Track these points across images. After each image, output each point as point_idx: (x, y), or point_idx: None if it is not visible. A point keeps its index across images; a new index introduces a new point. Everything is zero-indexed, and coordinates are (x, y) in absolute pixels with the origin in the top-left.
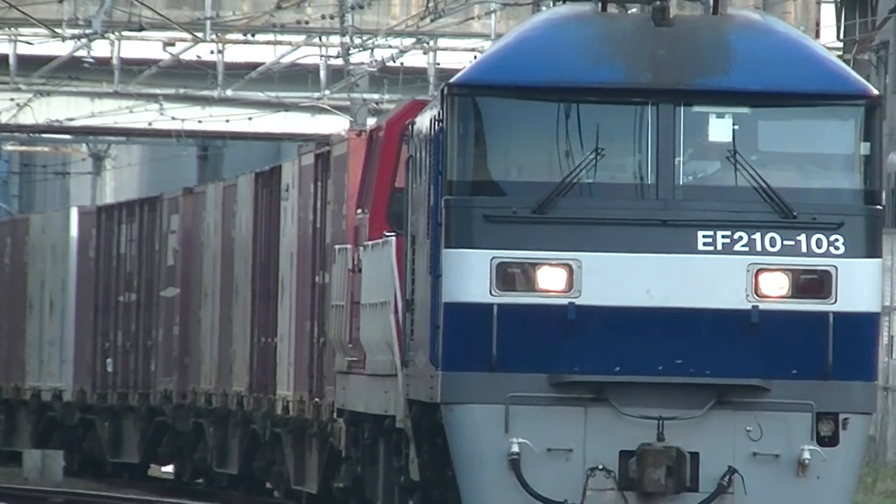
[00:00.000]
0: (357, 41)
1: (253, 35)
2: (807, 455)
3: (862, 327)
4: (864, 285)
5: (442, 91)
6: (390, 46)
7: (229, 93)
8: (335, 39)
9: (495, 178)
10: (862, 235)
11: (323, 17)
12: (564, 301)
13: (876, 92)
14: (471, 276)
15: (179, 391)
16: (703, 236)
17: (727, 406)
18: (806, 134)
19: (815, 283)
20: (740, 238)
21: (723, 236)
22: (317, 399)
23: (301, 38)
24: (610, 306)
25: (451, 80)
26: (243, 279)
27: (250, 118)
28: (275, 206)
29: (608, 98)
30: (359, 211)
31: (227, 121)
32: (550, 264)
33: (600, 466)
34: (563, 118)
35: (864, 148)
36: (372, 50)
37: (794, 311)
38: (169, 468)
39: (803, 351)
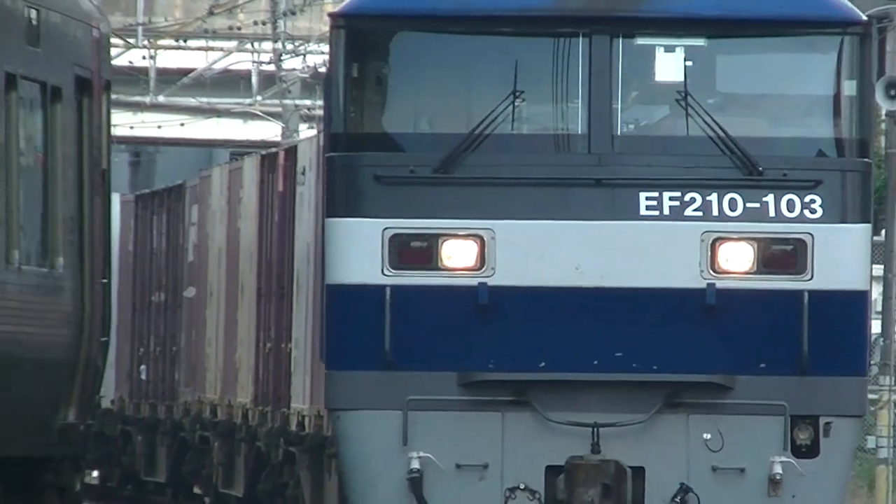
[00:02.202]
0: (289, 47)
1: (185, 41)
2: (778, 469)
3: (845, 309)
4: (847, 257)
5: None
6: (322, 52)
7: (161, 99)
8: (267, 45)
9: (389, 130)
10: (845, 196)
11: (255, 23)
12: (474, 281)
13: (864, 17)
14: (358, 251)
15: (194, 402)
16: (647, 199)
17: (679, 409)
18: (775, 71)
19: (786, 256)
20: (693, 200)
21: (671, 198)
22: None
23: (233, 44)
24: (531, 287)
25: (338, 8)
26: (249, 275)
27: (182, 124)
28: (289, 191)
29: (529, 28)
30: None
31: (160, 127)
32: (457, 236)
33: (522, 486)
34: (472, 54)
35: (849, 87)
36: (304, 56)
37: (761, 291)
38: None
39: (773, 340)
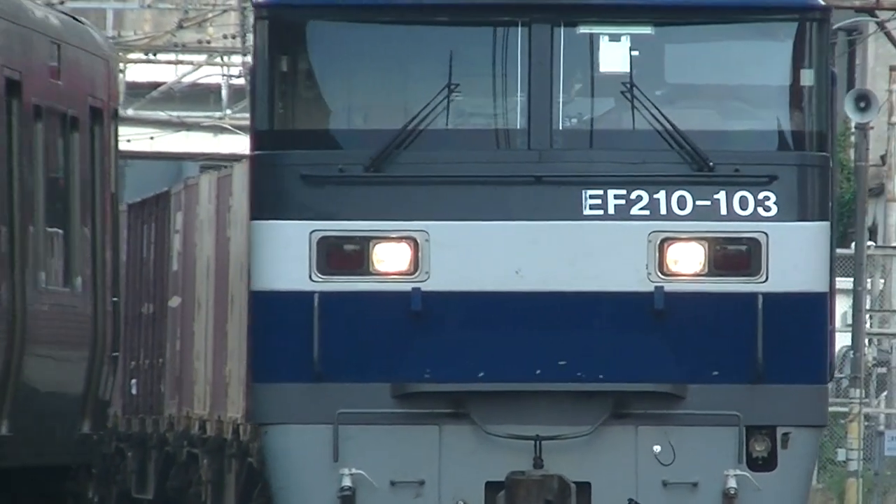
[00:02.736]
0: None
1: (154, 54)
2: (733, 483)
3: (803, 312)
4: (804, 257)
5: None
6: None
7: (130, 112)
8: (237, 59)
9: (316, 127)
10: (801, 192)
11: (225, 36)
12: (408, 286)
13: (822, 2)
14: (284, 255)
15: (178, 416)
16: (591, 197)
17: (627, 420)
18: (727, 60)
19: (739, 256)
20: (639, 198)
21: (616, 197)
22: None
23: (203, 57)
24: (468, 292)
25: None
26: (238, 286)
27: (152, 137)
28: None
29: (464, 17)
30: None
31: (129, 140)
32: (389, 238)
33: (460, 503)
34: (404, 45)
35: (807, 77)
36: None
37: (713, 294)
38: None
39: (726, 346)
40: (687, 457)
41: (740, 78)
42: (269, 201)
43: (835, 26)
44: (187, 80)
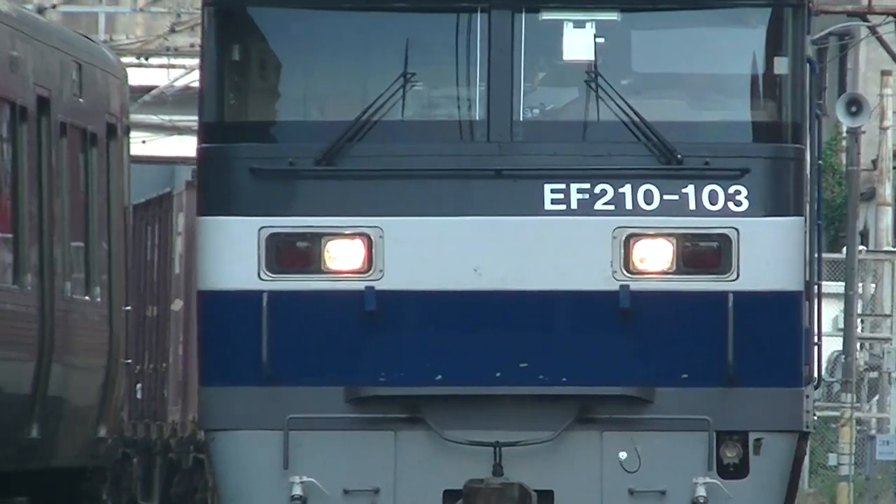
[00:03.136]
0: None
1: (146, 59)
2: (702, 491)
3: (776, 312)
4: (777, 254)
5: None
6: None
7: None
8: None
9: (266, 119)
10: (774, 186)
11: None
12: (361, 285)
13: None
14: (232, 253)
15: (182, 422)
16: (553, 191)
17: (592, 425)
18: (697, 48)
19: (708, 253)
20: (604, 193)
21: (580, 191)
22: None
23: (195, 61)
24: (424, 291)
25: None
26: None
27: (144, 141)
28: None
29: (422, 2)
30: None
31: None
32: (342, 235)
33: None
34: (358, 33)
35: (780, 65)
36: None
37: (681, 293)
38: None
39: (695, 347)
40: (654, 464)
41: (711, 66)
42: (216, 196)
43: (826, 31)
44: (180, 83)
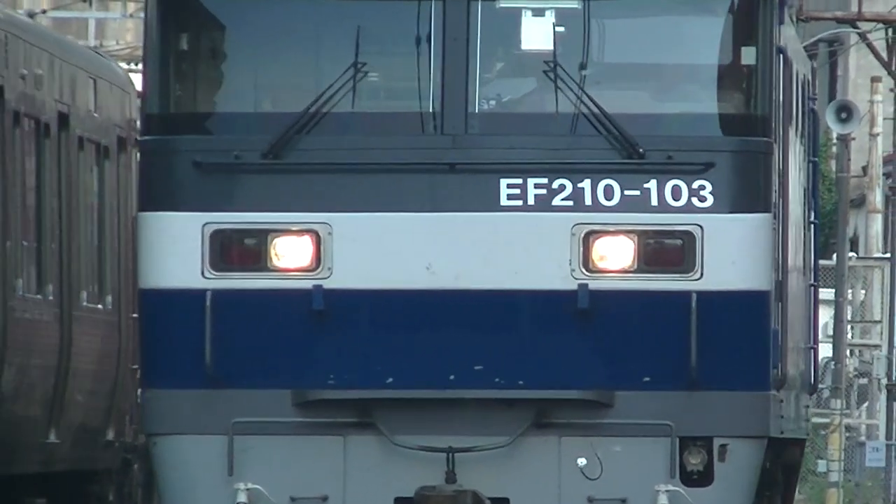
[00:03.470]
0: None
1: (136, 64)
2: (664, 499)
3: (741, 312)
4: (742, 252)
5: None
6: None
7: None
8: None
9: (211, 110)
10: (740, 181)
11: None
12: (309, 284)
13: None
14: (175, 250)
15: None
16: (509, 186)
17: (550, 430)
18: (660, 37)
19: (671, 251)
20: (562, 188)
21: (537, 186)
22: None
23: None
24: (374, 290)
25: None
26: None
27: None
28: None
29: None
30: None
31: None
32: (289, 231)
33: None
34: (308, 20)
35: (747, 55)
36: None
37: (643, 292)
38: None
39: (658, 349)
40: (615, 470)
41: (675, 56)
42: (158, 191)
43: (816, 37)
44: None
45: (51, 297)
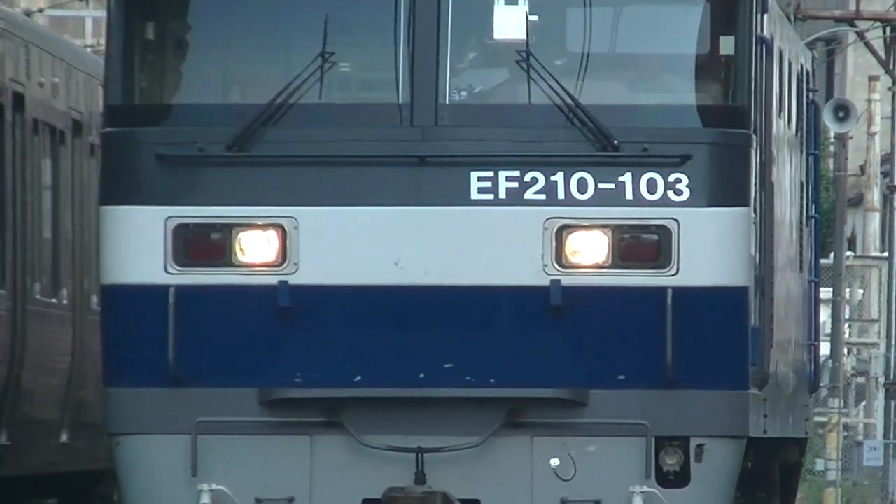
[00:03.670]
0: None
1: None
2: (640, 501)
3: (719, 309)
4: (720, 247)
5: None
6: None
7: None
8: None
9: (174, 101)
10: (718, 174)
11: None
12: (274, 280)
13: None
14: (137, 245)
15: None
16: (480, 179)
17: (522, 430)
18: (636, 26)
19: (646, 246)
20: (535, 181)
21: (509, 179)
22: None
23: None
24: (342, 286)
25: None
26: None
27: None
28: None
29: None
30: None
31: None
32: (254, 226)
33: None
34: (273, 8)
35: (726, 45)
36: None
37: (617, 288)
38: None
39: (633, 347)
40: (588, 471)
41: (651, 46)
42: (120, 184)
43: (814, 36)
44: None
45: (65, 301)
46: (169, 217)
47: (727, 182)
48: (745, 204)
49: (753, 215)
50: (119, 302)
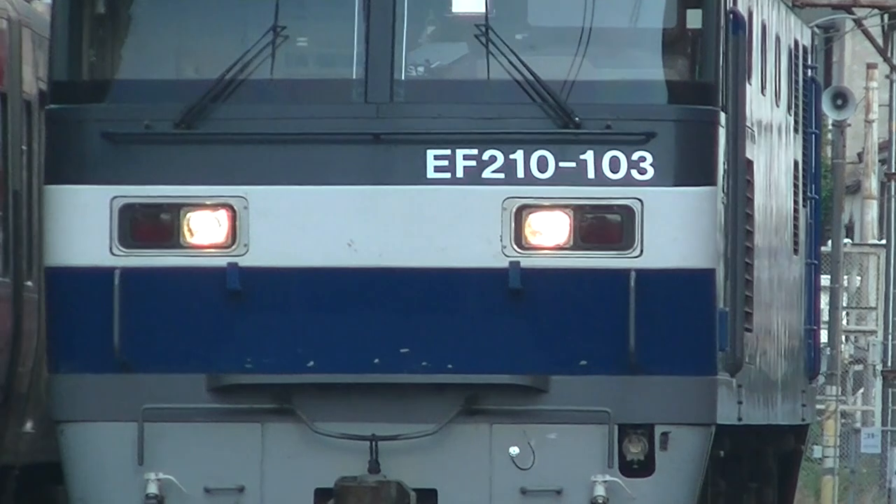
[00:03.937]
0: None
1: None
2: (601, 490)
3: (684, 292)
4: (685, 228)
5: None
6: None
7: None
8: None
9: (121, 77)
10: (683, 152)
11: None
12: (223, 261)
13: None
14: (81, 226)
15: None
16: (436, 157)
17: (480, 417)
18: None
19: (608, 227)
20: (493, 159)
21: (466, 157)
22: None
23: None
24: (293, 268)
25: None
26: None
27: None
28: None
29: None
30: None
31: None
32: (203, 206)
33: None
34: None
35: (693, 18)
36: None
37: (579, 270)
38: None
39: (595, 331)
40: (549, 460)
41: (615, 20)
42: (64, 163)
43: (812, 24)
44: None
45: None
46: (115, 197)
47: (693, 160)
48: (712, 183)
49: (722, 195)
50: (63, 285)
